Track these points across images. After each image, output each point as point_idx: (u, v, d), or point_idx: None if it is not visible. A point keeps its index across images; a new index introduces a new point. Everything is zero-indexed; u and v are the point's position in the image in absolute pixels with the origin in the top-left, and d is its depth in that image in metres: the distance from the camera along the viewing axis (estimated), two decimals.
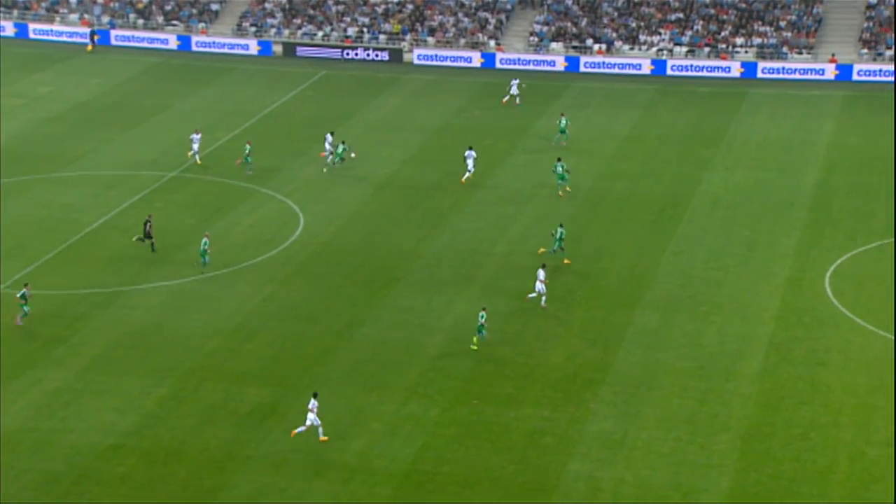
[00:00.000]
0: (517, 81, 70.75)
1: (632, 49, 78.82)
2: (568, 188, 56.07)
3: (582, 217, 54.35)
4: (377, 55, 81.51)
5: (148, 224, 50.22)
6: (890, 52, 73.37)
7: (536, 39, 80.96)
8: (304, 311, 46.05)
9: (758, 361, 40.88)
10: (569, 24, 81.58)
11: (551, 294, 46.53)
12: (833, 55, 74.16)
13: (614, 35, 79.83)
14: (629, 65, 76.88)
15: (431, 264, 50.03)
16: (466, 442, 37.30)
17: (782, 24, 77.57)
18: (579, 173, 59.54)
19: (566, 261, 48.78)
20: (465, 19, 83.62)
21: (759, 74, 74.11)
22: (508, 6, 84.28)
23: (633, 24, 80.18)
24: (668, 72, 76.12)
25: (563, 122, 63.15)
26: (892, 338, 41.84)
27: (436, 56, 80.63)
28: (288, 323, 44.99)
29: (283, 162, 61.84)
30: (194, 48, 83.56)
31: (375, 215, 55.49)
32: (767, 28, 77.46)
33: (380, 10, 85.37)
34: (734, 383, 39.66)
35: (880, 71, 72.01)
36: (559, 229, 48.94)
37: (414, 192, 58.14)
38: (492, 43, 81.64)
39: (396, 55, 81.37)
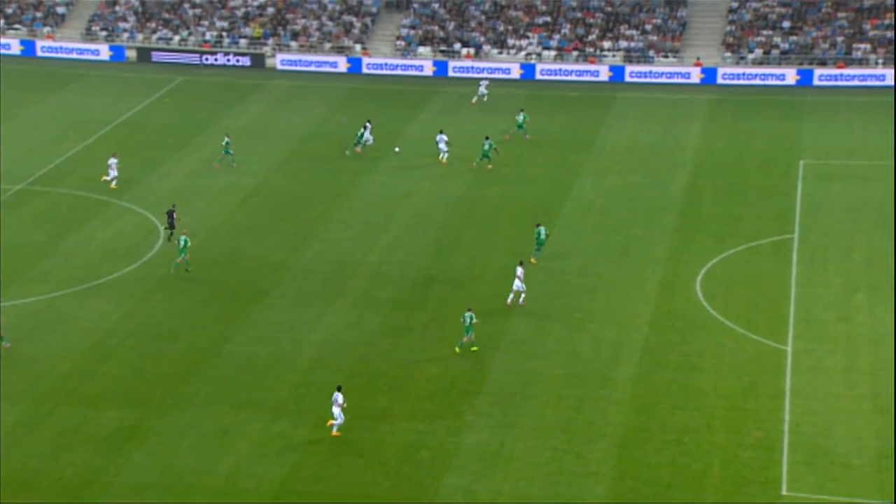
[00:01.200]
0: (486, 82, 71.70)
1: (500, 53, 79.80)
2: (490, 166, 59.75)
3: (455, 224, 54.67)
4: (238, 60, 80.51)
5: (172, 215, 51.79)
6: (752, 55, 76.12)
7: (403, 44, 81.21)
8: (165, 328, 45.04)
9: (632, 367, 41.75)
10: (436, 27, 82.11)
11: (425, 304, 46.65)
12: (698, 59, 76.54)
13: (482, 39, 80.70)
14: (498, 69, 77.80)
15: (300, 276, 49.58)
16: (339, 459, 37.03)
17: (648, 27, 79.69)
18: (451, 180, 59.94)
19: (532, 260, 49.37)
20: (329, 23, 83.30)
21: (627, 78, 75.95)
22: (374, 9, 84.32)
23: (501, 28, 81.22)
24: (538, 76, 77.33)
25: (522, 117, 64.87)
26: (761, 339, 43.28)
27: (300, 61, 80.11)
28: (148, 341, 43.93)
29: (140, 173, 60.45)
30: (40, 53, 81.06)
31: (241, 226, 54.70)
32: (634, 32, 79.47)
33: (239, 13, 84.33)
34: (609, 390, 40.41)
35: (744, 74, 74.62)
36: (538, 229, 49.64)
37: (281, 201, 57.56)
38: (357, 47, 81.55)
39: (258, 60, 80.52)
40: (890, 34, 75.15)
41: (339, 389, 38.29)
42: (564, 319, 45.37)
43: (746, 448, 36.78)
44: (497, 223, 54.63)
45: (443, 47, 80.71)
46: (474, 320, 42.84)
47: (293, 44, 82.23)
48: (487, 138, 60.96)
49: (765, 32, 77.38)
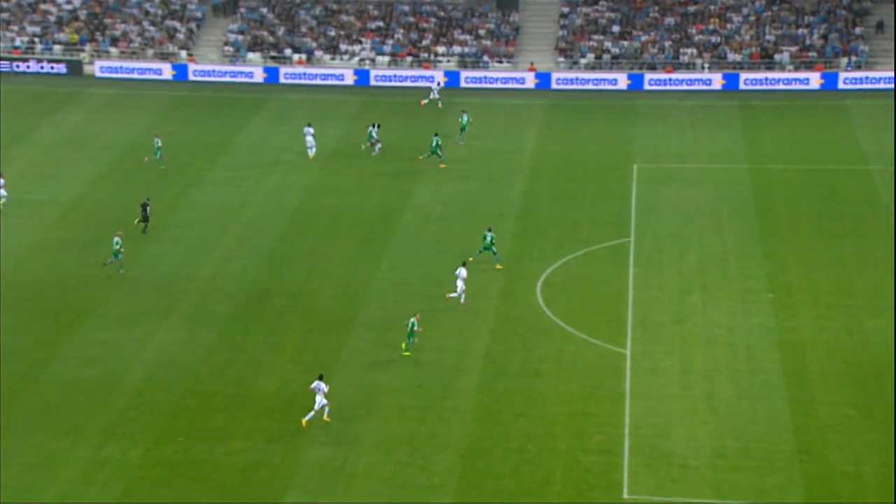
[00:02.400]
0: (436, 84, 71.95)
1: (333, 59, 79.77)
2: (442, 165, 61.24)
3: (291, 236, 54.33)
4: (53, 67, 78.02)
5: (147, 208, 53.09)
6: (584, 60, 78.33)
7: (232, 49, 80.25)
8: None
9: (475, 376, 42.33)
10: (265, 32, 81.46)
11: (261, 318, 46.24)
12: (532, 63, 78.26)
13: (314, 45, 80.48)
14: (331, 75, 77.74)
15: (128, 293, 48.41)
16: (173, 483, 36.29)
17: (482, 32, 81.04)
18: (286, 190, 59.57)
19: (498, 266, 49.62)
20: (152, 28, 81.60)
21: (462, 84, 77.00)
22: (199, 14, 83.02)
23: (333, 34, 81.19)
24: (372, 82, 77.62)
25: (465, 118, 65.74)
26: (600, 343, 44.54)
27: (121, 68, 78.22)
28: None
29: None
30: None
31: (62, 243, 53.01)
32: (467, 36, 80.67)
33: (52, 18, 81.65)
34: (453, 400, 40.85)
35: (577, 79, 76.68)
36: (488, 234, 49.80)
37: (106, 215, 56.04)
38: (183, 54, 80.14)
39: (76, 67, 78.23)
40: (715, 39, 78.56)
41: (320, 378, 39.15)
42: (406, 329, 45.59)
43: (588, 453, 37.76)
44: (334, 234, 54.56)
45: (273, 53, 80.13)
46: (417, 328, 43.18)
47: (113, 50, 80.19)
48: (436, 135, 62.03)
49: (596, 37, 79.75)
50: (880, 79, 74.60)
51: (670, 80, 76.19)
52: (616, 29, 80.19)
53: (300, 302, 47.82)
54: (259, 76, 77.97)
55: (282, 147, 65.87)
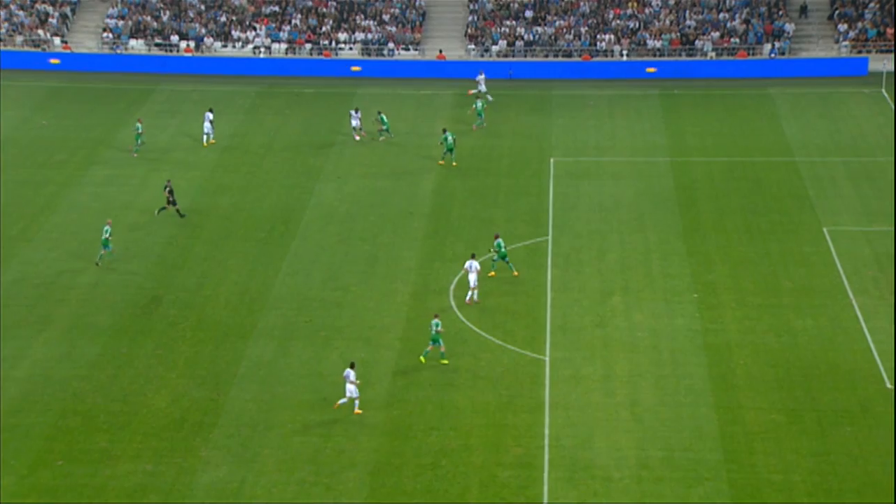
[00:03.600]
0: (482, 77, 70.44)
1: (225, 47, 79.06)
2: (454, 162, 60.92)
3: (181, 239, 53.71)
4: None
5: (167, 189, 54.31)
6: (496, 47, 78.84)
7: (112, 36, 79.05)
8: None
9: (384, 387, 42.34)
10: (148, 17, 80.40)
11: (150, 329, 45.69)
12: (441, 51, 78.51)
13: (203, 31, 79.67)
14: (223, 64, 77.02)
15: None
16: None
17: (386, 17, 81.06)
18: (175, 189, 58.84)
19: (515, 273, 49.70)
20: (21, 13, 79.98)
21: (368, 72, 76.93)
22: None
23: (224, 19, 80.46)
24: (267, 72, 77.10)
25: (480, 104, 66.71)
26: (518, 350, 44.89)
27: None
28: None
29: None
30: None
31: None
32: (371, 22, 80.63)
33: None
34: (360, 414, 40.81)
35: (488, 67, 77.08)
36: (498, 241, 49.66)
37: None
38: (56, 41, 78.70)
39: None
40: (633, 24, 79.71)
41: (351, 366, 40.32)
42: (309, 338, 45.45)
43: (506, 467, 38.04)
44: (229, 236, 54.11)
45: (158, 40, 79.10)
46: (440, 328, 43.05)
47: None
48: (445, 130, 61.59)
49: (507, 23, 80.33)
50: (805, 65, 76.44)
51: (587, 67, 77.06)
52: (529, 14, 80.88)
53: (192, 310, 47.32)
54: (143, 65, 76.87)
55: (170, 142, 65.10)
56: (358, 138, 63.74)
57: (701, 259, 51.70)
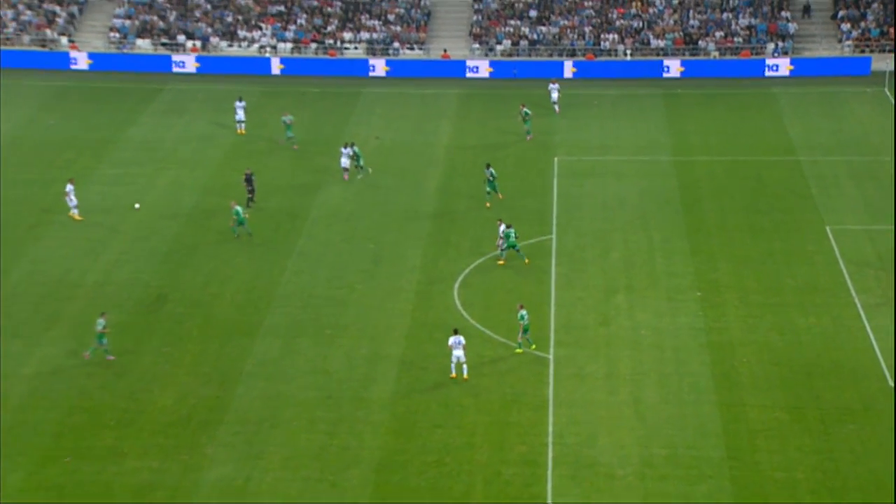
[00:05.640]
0: (556, 85, 69.25)
1: (231, 46, 79.11)
2: (500, 195, 56.86)
3: (188, 237, 53.75)
4: None
5: (246, 178, 55.88)
6: (501, 47, 78.80)
7: (118, 36, 79.12)
8: None
9: (389, 385, 42.35)
10: (155, 17, 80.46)
11: (156, 327, 45.75)
12: (445, 51, 78.48)
13: (209, 30, 79.72)
14: (229, 63, 77.07)
15: (7, 302, 47.58)
16: None
17: (391, 17, 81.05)
18: (182, 188, 58.93)
19: (526, 260, 50.11)
20: (29, 13, 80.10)
21: (371, 72, 76.92)
22: None
23: (230, 19, 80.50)
24: (272, 71, 77.14)
25: (525, 112, 65.02)
26: (513, 345, 44.94)
27: None
28: None
29: None
30: None
31: None
32: (376, 22, 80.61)
33: None
34: (365, 411, 40.83)
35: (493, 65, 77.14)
36: (508, 230, 50.25)
37: None
38: (64, 40, 78.79)
39: None
40: (637, 23, 79.64)
41: (455, 332, 42.07)
42: (314, 336, 45.48)
43: (510, 464, 38.04)
44: (234, 236, 54.10)
45: (164, 40, 79.16)
46: (526, 319, 43.56)
47: None
48: (489, 166, 56.77)
49: (512, 22, 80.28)
50: (808, 64, 76.34)
51: (592, 66, 77.02)
52: (533, 13, 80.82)
53: (199, 308, 47.35)
54: (150, 64, 76.91)
55: (176, 142, 65.16)
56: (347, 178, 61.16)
57: (704, 257, 51.65)
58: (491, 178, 56.41)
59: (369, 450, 38.73)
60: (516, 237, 50.48)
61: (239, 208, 52.88)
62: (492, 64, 76.42)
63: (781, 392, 41.84)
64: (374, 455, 38.47)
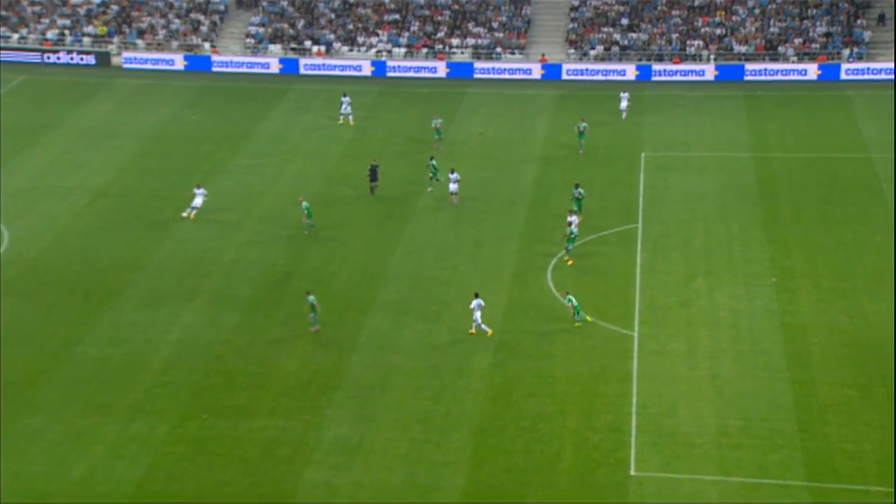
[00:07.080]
0: (627, 94, 67.71)
1: (351, 50, 79.72)
2: (580, 214, 52.23)
3: (311, 222, 54.36)
4: (82, 59, 78.17)
5: (374, 167, 55.86)
6: (594, 52, 78.06)
7: (253, 41, 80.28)
8: (12, 332, 43.55)
9: (487, 357, 42.40)
10: (285, 25, 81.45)
11: (282, 301, 46.45)
12: (543, 55, 78.06)
13: (333, 37, 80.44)
14: (349, 66, 77.71)
15: (154, 276, 48.62)
16: (198, 459, 36.52)
17: (494, 24, 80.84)
18: (306, 178, 59.64)
19: (569, 262, 49.28)
20: (177, 21, 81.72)
21: (476, 75, 76.88)
22: (222, 7, 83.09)
23: (351, 26, 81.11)
24: (388, 73, 77.54)
25: (584, 126, 61.64)
26: (608, 326, 44.55)
27: (147, 59, 78.30)
28: None
29: None
30: None
31: (91, 227, 53.23)
32: (481, 29, 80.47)
33: (82, 11, 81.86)
34: (466, 380, 40.94)
35: (586, 70, 76.47)
36: (576, 190, 51.31)
37: (133, 200, 56.28)
38: (206, 45, 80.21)
39: (104, 59, 78.39)
40: (719, 31, 78.16)
41: (476, 296, 43.13)
42: (421, 312, 45.72)
43: (597, 431, 37.82)
44: (352, 220, 54.61)
45: (293, 45, 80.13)
46: (574, 301, 43.75)
47: (140, 42, 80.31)
48: (577, 186, 53.53)
49: (605, 29, 79.46)
50: (881, 70, 74.16)
51: (677, 70, 75.89)
52: (625, 21, 79.89)
53: (319, 285, 47.93)
54: (275, 67, 77.90)
55: (302, 136, 65.96)
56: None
57: (779, 246, 50.62)
58: (579, 197, 52.92)
59: (469, 415, 38.84)
60: (575, 237, 49.52)
61: (307, 204, 52.05)
62: (584, 71, 75.53)
63: (850, 371, 40.87)
64: (473, 420, 38.57)
